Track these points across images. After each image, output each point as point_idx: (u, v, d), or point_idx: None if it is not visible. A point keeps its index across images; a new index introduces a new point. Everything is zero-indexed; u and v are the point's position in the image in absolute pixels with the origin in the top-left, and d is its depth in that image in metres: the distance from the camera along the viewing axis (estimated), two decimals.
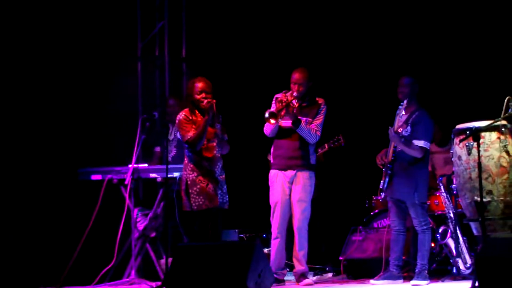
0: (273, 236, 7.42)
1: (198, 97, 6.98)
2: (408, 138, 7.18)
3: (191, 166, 6.94)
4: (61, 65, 8.74)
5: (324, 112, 7.45)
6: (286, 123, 7.31)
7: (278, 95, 7.37)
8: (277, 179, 7.41)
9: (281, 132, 7.40)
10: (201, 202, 6.83)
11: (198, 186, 6.85)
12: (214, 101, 6.96)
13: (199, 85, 7.02)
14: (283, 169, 7.40)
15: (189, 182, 6.89)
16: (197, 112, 7.01)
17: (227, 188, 7.03)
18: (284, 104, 7.20)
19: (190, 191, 6.87)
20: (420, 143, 7.14)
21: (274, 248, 7.37)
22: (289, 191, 7.36)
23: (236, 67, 9.68)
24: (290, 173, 7.37)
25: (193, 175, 6.91)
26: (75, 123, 8.82)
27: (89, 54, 8.93)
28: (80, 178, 8.00)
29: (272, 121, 7.15)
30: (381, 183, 7.36)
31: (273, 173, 7.49)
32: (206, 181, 6.87)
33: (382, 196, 7.44)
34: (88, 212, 7.71)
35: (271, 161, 7.55)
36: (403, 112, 7.14)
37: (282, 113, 7.22)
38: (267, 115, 7.14)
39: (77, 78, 8.88)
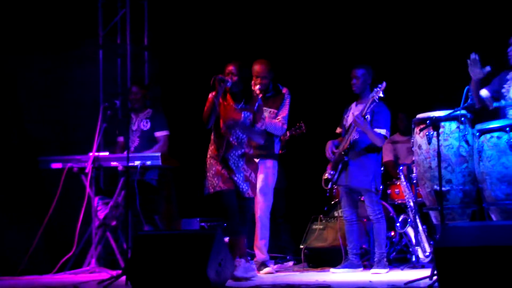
0: None
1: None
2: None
3: (210, 148, 6.84)
4: (21, 52, 8.60)
5: (288, 102, 7.42)
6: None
7: None
8: None
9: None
10: (215, 184, 6.68)
11: (214, 169, 6.71)
12: (215, 76, 6.65)
13: (227, 67, 6.74)
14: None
15: (207, 166, 6.79)
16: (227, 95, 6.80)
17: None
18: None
19: (207, 174, 6.74)
20: (382, 131, 7.15)
21: None
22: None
23: (199, 55, 9.60)
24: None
25: (208, 157, 6.80)
26: (35, 110, 8.70)
27: (50, 41, 8.80)
28: (40, 166, 7.89)
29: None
30: (330, 173, 7.34)
31: None
32: (219, 165, 6.70)
33: (330, 186, 7.43)
34: (48, 200, 7.62)
35: None
36: (381, 94, 7.06)
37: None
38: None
39: (38, 65, 8.75)
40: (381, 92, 7.04)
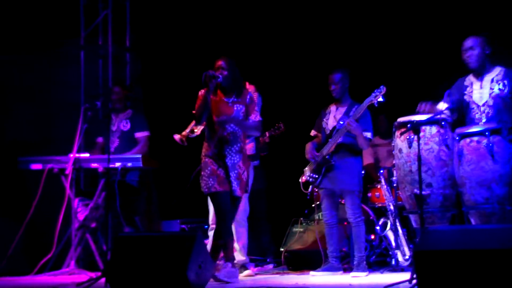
0: (210, 227, 7.39)
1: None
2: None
3: (204, 145, 6.78)
4: (2, 52, 8.54)
5: (259, 101, 7.36)
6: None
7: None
8: None
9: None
10: (210, 185, 6.62)
11: (209, 168, 6.65)
12: (206, 73, 6.59)
13: (217, 62, 6.71)
14: None
15: (202, 164, 6.73)
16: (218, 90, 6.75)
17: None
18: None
19: (202, 173, 6.68)
20: (368, 134, 7.17)
21: (210, 238, 7.32)
22: None
23: (181, 56, 9.57)
24: None
25: (203, 155, 6.74)
26: (15, 110, 8.65)
27: (32, 41, 8.75)
28: (19, 167, 7.84)
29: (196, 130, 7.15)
30: (311, 176, 7.33)
31: None
32: (215, 164, 6.62)
33: (310, 190, 7.43)
34: (28, 201, 7.57)
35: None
36: (380, 99, 7.06)
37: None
38: (178, 140, 7.23)
39: (19, 65, 8.70)
40: (380, 96, 7.06)
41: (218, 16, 9.67)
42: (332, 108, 7.44)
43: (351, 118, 7.13)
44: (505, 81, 6.33)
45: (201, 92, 6.67)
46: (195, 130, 7.20)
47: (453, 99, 6.51)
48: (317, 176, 7.32)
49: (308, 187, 7.42)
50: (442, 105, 6.47)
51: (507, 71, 6.38)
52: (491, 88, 6.36)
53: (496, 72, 6.39)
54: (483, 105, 6.36)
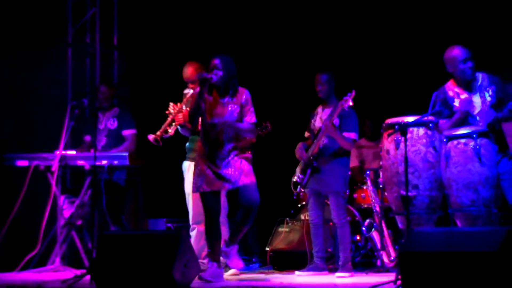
0: (191, 227, 7.38)
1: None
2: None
3: (199, 143, 6.73)
4: None
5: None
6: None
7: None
8: (189, 170, 7.32)
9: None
10: (198, 185, 6.57)
11: (199, 168, 6.61)
12: (199, 75, 6.54)
13: (212, 61, 6.60)
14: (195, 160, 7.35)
15: (195, 163, 6.72)
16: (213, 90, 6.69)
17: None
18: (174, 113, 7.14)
19: (194, 171, 6.66)
20: (351, 135, 7.15)
21: (193, 238, 7.30)
22: None
23: (168, 55, 9.54)
24: None
25: (197, 154, 6.73)
26: (2, 107, 8.60)
27: (20, 39, 8.71)
28: (5, 163, 7.80)
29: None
30: (299, 177, 7.34)
31: (185, 164, 7.43)
32: (205, 164, 6.58)
33: (298, 190, 7.42)
34: (13, 198, 7.53)
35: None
36: (350, 103, 7.05)
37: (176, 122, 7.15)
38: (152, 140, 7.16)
39: (6, 62, 8.66)
40: (350, 101, 7.05)
41: (206, 15, 9.66)
42: (319, 109, 7.44)
43: (327, 120, 7.12)
44: (492, 88, 6.35)
45: (186, 91, 6.64)
46: (169, 130, 7.20)
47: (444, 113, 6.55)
48: (303, 176, 7.32)
49: (297, 187, 7.42)
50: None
51: (491, 76, 6.39)
52: (482, 97, 6.38)
53: (481, 78, 6.40)
54: (478, 114, 6.38)
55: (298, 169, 7.46)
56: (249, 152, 6.75)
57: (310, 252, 7.58)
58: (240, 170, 6.50)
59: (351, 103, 7.05)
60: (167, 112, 7.26)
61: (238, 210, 6.56)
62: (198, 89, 6.53)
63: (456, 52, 6.41)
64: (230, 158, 6.53)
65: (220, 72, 6.52)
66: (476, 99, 6.41)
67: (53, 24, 9.04)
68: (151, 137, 7.24)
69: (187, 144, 7.54)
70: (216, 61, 6.55)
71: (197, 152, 6.76)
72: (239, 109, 6.57)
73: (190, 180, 7.25)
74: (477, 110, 6.40)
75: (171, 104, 7.27)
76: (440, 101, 6.52)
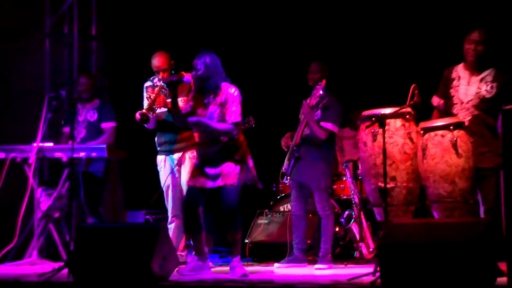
0: (169, 220, 7.37)
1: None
2: (317, 122, 7.20)
3: None
4: None
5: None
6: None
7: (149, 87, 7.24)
8: (166, 164, 7.33)
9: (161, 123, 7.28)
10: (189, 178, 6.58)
11: (194, 162, 6.61)
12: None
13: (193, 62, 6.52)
14: (170, 152, 7.35)
15: None
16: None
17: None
18: (154, 96, 6.97)
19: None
20: (328, 125, 7.15)
21: (171, 231, 7.30)
22: (178, 174, 7.29)
23: (147, 46, 9.49)
24: (177, 156, 7.30)
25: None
26: None
27: None
28: None
29: (145, 121, 6.98)
30: (284, 167, 7.36)
31: (159, 158, 7.43)
32: (197, 159, 6.58)
33: (285, 180, 7.44)
34: None
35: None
36: (321, 92, 7.09)
37: (157, 103, 6.99)
38: (138, 116, 6.94)
39: None
40: (320, 90, 7.06)
41: (186, 5, 9.61)
42: (304, 102, 7.37)
43: (306, 102, 7.13)
44: (494, 84, 6.35)
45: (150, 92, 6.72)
46: (157, 110, 7.07)
47: (442, 94, 6.55)
48: (287, 166, 7.33)
49: (284, 178, 7.43)
50: (436, 100, 6.55)
51: (498, 74, 6.39)
52: (478, 88, 6.39)
53: (487, 73, 6.41)
54: (467, 103, 6.39)
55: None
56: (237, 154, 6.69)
57: (290, 244, 7.59)
58: (222, 170, 6.45)
59: (321, 92, 7.06)
60: (146, 97, 7.18)
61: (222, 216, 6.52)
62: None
63: (472, 32, 6.38)
64: (217, 158, 6.48)
65: (199, 72, 6.43)
66: (472, 88, 6.39)
67: (31, 14, 8.99)
68: (138, 113, 7.05)
69: (158, 138, 7.49)
70: (194, 61, 6.45)
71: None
72: (219, 110, 6.43)
73: (166, 173, 7.26)
74: (467, 98, 6.40)
75: (149, 89, 7.22)
76: (443, 79, 6.56)
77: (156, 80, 7.30)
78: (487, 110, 6.31)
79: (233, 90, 6.46)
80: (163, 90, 6.90)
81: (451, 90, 6.46)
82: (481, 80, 6.36)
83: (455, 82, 6.46)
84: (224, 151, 6.44)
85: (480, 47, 6.31)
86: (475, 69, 6.38)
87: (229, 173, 6.40)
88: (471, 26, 6.51)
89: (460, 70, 6.46)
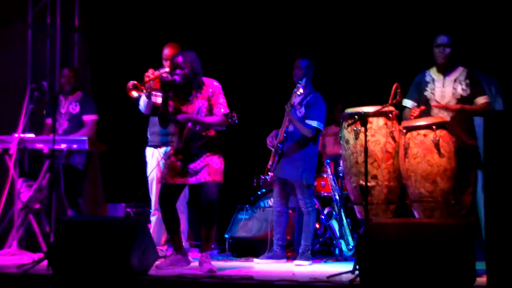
0: (152, 213, 7.35)
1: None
2: (301, 119, 7.18)
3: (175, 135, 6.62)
4: None
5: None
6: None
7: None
8: (153, 156, 7.31)
9: (157, 109, 7.15)
10: (164, 175, 6.51)
11: (170, 160, 6.50)
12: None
13: (175, 60, 6.44)
14: (158, 146, 7.32)
15: (169, 153, 6.65)
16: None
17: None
18: (153, 77, 6.77)
19: (165, 162, 6.61)
20: (313, 123, 7.14)
21: (153, 224, 7.29)
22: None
23: (131, 38, 9.45)
24: (165, 149, 7.27)
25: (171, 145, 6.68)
26: None
27: None
28: None
29: (134, 93, 6.61)
30: (270, 163, 7.34)
31: (148, 150, 7.40)
32: (175, 156, 6.48)
33: (269, 176, 7.43)
34: None
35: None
36: (301, 91, 7.07)
37: (152, 85, 6.82)
38: (130, 86, 6.60)
39: None
40: (301, 88, 7.04)
41: None
42: (293, 94, 7.32)
43: (288, 103, 7.11)
44: (467, 82, 6.43)
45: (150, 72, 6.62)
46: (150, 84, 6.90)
47: (413, 96, 6.60)
48: (271, 163, 7.31)
49: (268, 173, 7.42)
50: (409, 103, 6.58)
51: (470, 72, 6.47)
52: (453, 88, 6.45)
53: (459, 72, 6.49)
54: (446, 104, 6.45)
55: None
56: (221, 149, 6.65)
57: (270, 239, 7.58)
58: (206, 166, 6.43)
59: (301, 91, 7.04)
60: (146, 75, 7.01)
61: (200, 210, 6.48)
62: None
63: (437, 36, 6.49)
64: (200, 153, 6.45)
65: (185, 70, 6.38)
66: (447, 89, 6.47)
67: (12, 4, 8.93)
68: (131, 82, 6.88)
69: (150, 129, 7.49)
70: (179, 59, 6.39)
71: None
72: (207, 103, 6.44)
73: (153, 165, 7.24)
74: (445, 100, 6.45)
75: (151, 70, 7.05)
76: (415, 84, 6.63)
77: (163, 70, 7.13)
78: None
79: (217, 83, 6.49)
80: (163, 77, 6.69)
81: (426, 93, 6.53)
82: (455, 80, 6.46)
83: (430, 86, 6.52)
84: (208, 145, 6.43)
85: (448, 49, 6.46)
86: (447, 70, 6.47)
87: (216, 170, 6.41)
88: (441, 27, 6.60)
89: (433, 74, 6.56)
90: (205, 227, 6.37)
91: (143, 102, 7.19)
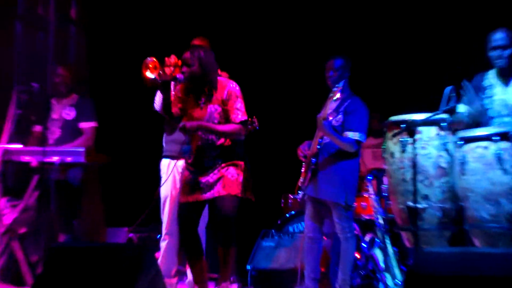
0: (162, 238, 7.36)
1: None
2: (339, 128, 7.13)
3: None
4: None
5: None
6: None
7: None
8: (168, 170, 7.31)
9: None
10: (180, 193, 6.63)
11: (184, 174, 6.65)
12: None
13: (183, 56, 6.54)
14: (176, 157, 7.29)
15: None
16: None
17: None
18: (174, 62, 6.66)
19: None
20: (355, 135, 7.09)
21: (162, 251, 7.29)
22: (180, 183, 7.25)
23: (135, 31, 9.51)
24: (183, 162, 7.25)
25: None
26: None
27: None
28: None
29: (149, 74, 6.51)
30: (301, 180, 7.30)
31: (164, 162, 7.40)
32: (187, 169, 6.58)
33: (300, 196, 7.38)
34: None
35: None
36: (338, 96, 7.03)
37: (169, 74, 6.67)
38: (148, 63, 6.54)
39: None
40: (338, 93, 6.99)
41: None
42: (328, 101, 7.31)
43: (319, 115, 7.06)
44: None
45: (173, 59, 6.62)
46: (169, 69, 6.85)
47: (471, 102, 6.57)
48: (303, 180, 7.28)
49: (299, 192, 7.39)
50: (462, 108, 6.55)
51: None
52: None
53: None
54: (508, 115, 6.39)
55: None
56: (241, 160, 6.64)
57: (300, 271, 7.55)
58: (220, 179, 6.42)
59: (338, 95, 6.99)
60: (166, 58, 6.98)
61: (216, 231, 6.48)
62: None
63: (490, 36, 6.46)
64: (215, 165, 6.44)
65: (192, 68, 6.42)
66: (509, 97, 6.45)
67: None
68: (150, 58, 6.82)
69: (166, 136, 7.50)
70: (186, 55, 6.45)
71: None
72: (220, 108, 6.46)
73: (168, 181, 7.24)
74: (507, 110, 6.43)
75: (174, 56, 7.03)
76: (471, 88, 6.62)
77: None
78: None
79: (234, 85, 6.49)
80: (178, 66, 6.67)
81: (485, 101, 6.54)
82: None
83: (488, 91, 6.50)
84: (224, 156, 6.43)
85: (508, 50, 6.50)
86: (510, 74, 6.44)
87: (232, 181, 6.41)
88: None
89: (492, 78, 6.55)
90: (222, 247, 6.36)
91: (158, 98, 7.15)
